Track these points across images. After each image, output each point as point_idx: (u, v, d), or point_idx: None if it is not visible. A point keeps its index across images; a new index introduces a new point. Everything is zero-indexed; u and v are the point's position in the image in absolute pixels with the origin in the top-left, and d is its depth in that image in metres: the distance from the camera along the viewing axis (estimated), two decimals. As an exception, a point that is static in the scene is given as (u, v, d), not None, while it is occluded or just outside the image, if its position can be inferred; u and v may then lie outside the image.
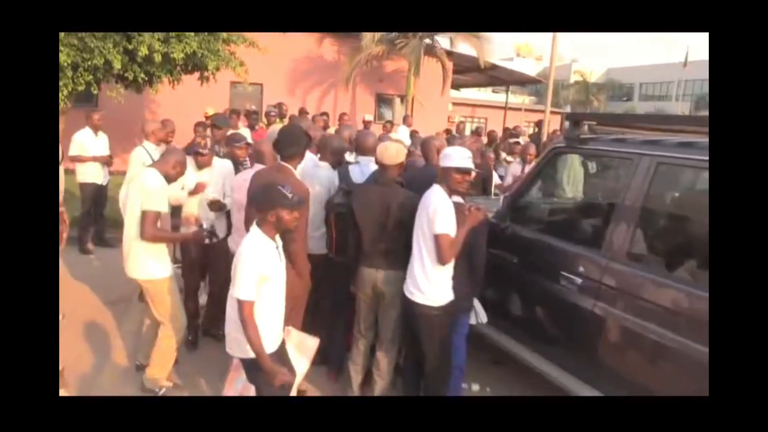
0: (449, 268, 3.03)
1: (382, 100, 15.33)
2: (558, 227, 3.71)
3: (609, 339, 2.93)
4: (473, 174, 3.05)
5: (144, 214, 3.20)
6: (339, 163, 3.91)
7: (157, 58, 6.75)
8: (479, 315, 3.51)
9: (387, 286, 3.28)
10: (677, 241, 2.99)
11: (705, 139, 2.75)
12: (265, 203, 2.56)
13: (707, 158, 2.63)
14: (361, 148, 4.02)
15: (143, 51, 6.51)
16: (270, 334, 2.65)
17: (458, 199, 3.10)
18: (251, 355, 2.54)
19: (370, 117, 10.35)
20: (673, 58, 39.41)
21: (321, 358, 4.04)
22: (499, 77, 16.61)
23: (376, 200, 3.28)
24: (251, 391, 2.87)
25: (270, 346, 2.62)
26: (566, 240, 3.35)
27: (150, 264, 3.33)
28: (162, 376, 3.54)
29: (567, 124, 3.42)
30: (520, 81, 15.64)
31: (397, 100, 14.95)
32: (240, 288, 2.50)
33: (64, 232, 4.14)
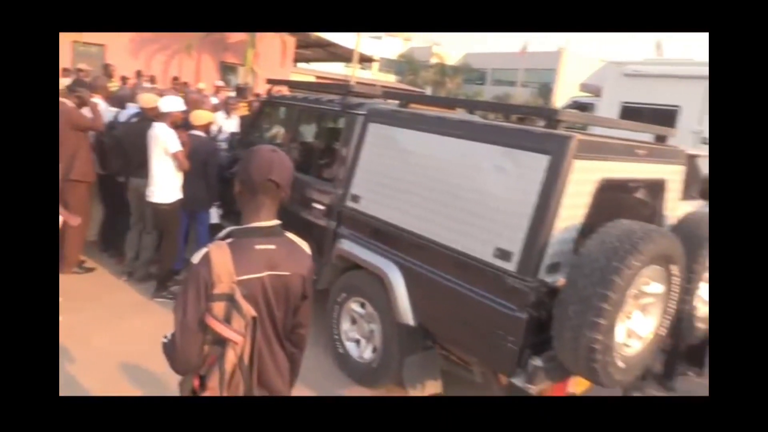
0: (176, 177, 4.74)
1: (227, 68, 16.61)
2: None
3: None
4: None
5: None
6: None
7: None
8: (211, 216, 5.36)
9: (146, 189, 4.97)
10: (315, 155, 4.98)
11: (335, 96, 4.62)
12: None
13: (328, 107, 4.60)
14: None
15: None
16: None
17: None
18: None
19: (220, 83, 11.58)
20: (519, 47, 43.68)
21: (115, 253, 5.69)
22: (338, 53, 18.54)
23: (136, 132, 4.93)
24: None
25: None
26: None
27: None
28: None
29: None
30: (359, 59, 17.61)
31: (242, 69, 16.30)
32: None
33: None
